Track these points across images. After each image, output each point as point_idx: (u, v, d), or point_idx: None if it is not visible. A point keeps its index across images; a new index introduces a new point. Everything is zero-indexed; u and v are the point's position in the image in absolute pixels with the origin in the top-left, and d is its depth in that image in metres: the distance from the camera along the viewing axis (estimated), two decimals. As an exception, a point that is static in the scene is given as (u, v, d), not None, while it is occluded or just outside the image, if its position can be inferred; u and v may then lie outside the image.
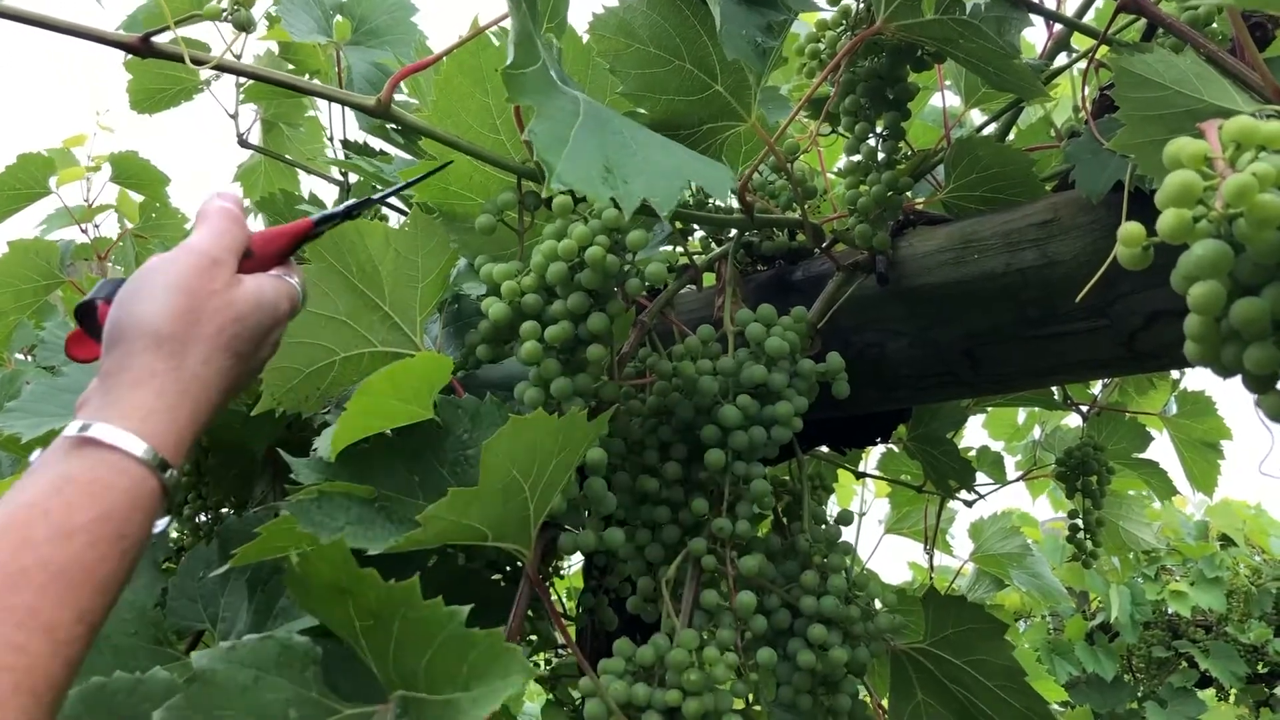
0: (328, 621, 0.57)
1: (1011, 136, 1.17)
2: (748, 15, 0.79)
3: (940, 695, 0.85)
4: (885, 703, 1.02)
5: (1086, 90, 1.17)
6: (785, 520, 1.00)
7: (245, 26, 0.98)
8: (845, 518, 0.87)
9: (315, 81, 0.92)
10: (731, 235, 1.10)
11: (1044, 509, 3.85)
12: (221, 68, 0.80)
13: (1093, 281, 0.70)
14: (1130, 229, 0.47)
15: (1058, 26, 1.03)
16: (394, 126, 1.51)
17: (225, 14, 0.96)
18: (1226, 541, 3.81)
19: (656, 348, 0.91)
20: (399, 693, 0.53)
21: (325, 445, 0.70)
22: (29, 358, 1.80)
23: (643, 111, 0.85)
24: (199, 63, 0.79)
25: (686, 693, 0.71)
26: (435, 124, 0.80)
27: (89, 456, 0.54)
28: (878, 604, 0.84)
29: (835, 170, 1.27)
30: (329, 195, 1.60)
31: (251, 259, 0.70)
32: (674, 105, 0.85)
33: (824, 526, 0.85)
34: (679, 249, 1.11)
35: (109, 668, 0.87)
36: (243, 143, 1.54)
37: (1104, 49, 1.07)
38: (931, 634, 0.85)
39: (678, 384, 0.83)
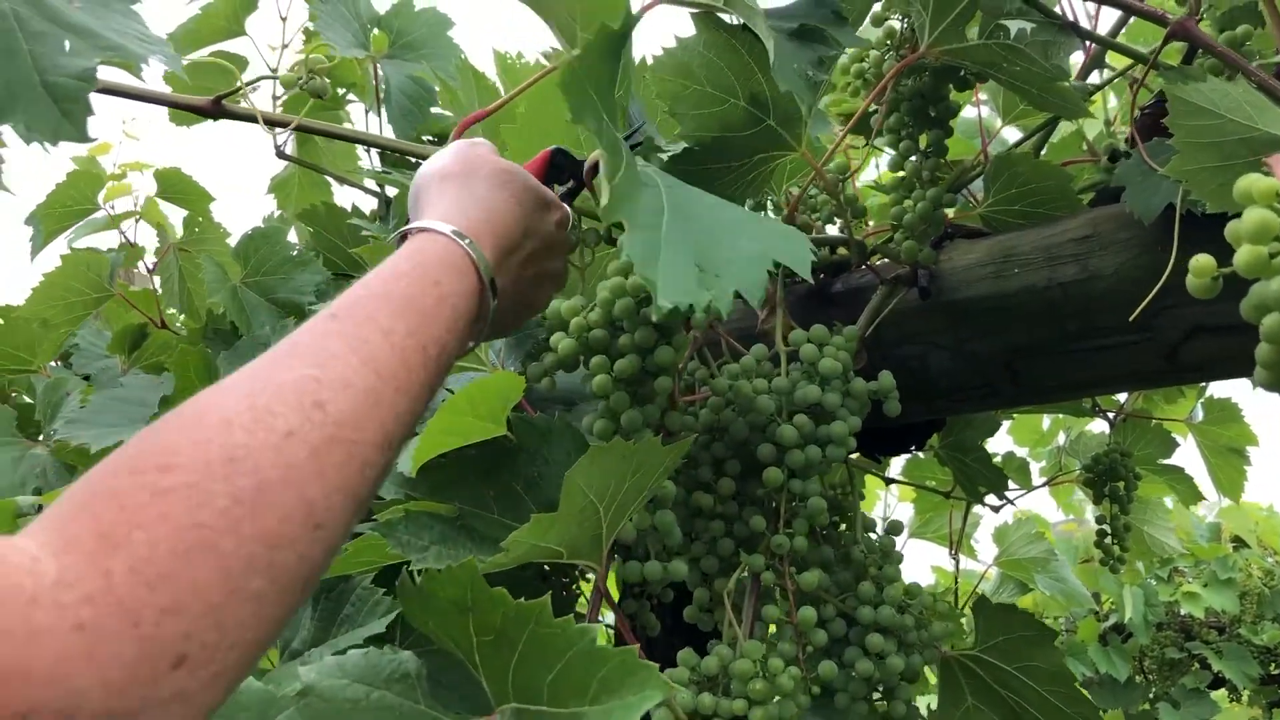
0: (440, 636, 0.59)
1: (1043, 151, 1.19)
2: (800, 51, 0.82)
3: (989, 700, 0.87)
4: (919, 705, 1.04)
5: (1123, 108, 1.19)
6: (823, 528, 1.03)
7: (320, 94, 1.01)
8: (895, 528, 0.89)
9: (390, 139, 0.94)
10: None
11: (1055, 512, 3.87)
12: (302, 128, 0.83)
13: (1146, 302, 0.72)
14: (1202, 261, 0.49)
15: (1094, 45, 1.05)
16: (431, 139, 1.54)
17: (301, 82, 0.99)
18: (1239, 543, 3.82)
19: (706, 362, 0.94)
20: (511, 705, 0.56)
21: (405, 460, 0.73)
22: (59, 364, 1.82)
23: (698, 149, 0.88)
24: (274, 124, 0.81)
25: (752, 701, 0.73)
26: (521, 132, 0.82)
27: (406, 244, 0.64)
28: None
29: (872, 183, 1.29)
30: (361, 205, 1.62)
31: None
32: (728, 141, 0.88)
33: (875, 537, 0.88)
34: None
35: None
36: (280, 154, 1.56)
37: (1133, 65, 1.09)
38: (981, 641, 0.87)
39: (731, 401, 0.85)
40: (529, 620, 0.55)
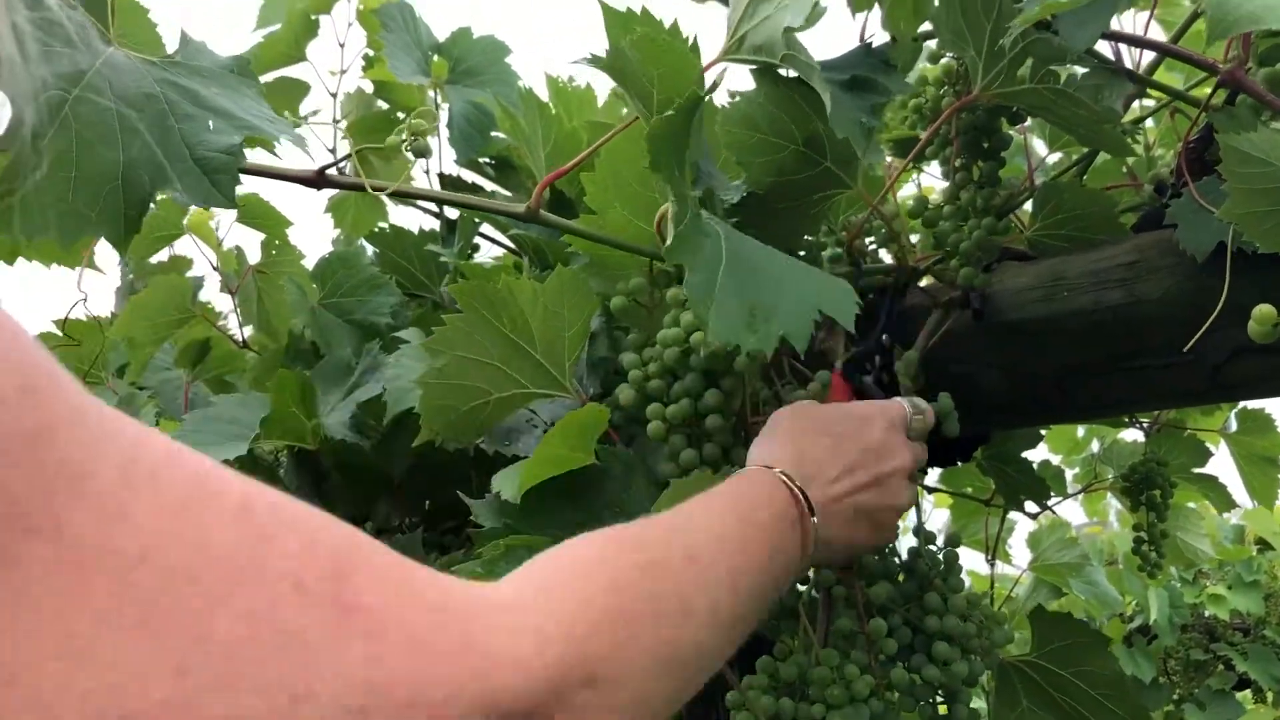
0: None
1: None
2: (854, 100, 0.87)
3: (1045, 703, 0.92)
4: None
5: (1161, 133, 1.24)
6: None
7: (423, 153, 1.07)
8: (954, 540, 0.94)
9: (478, 199, 0.99)
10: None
11: (1078, 515, 3.90)
12: (397, 193, 0.88)
13: (1201, 332, 0.77)
14: (1264, 310, 0.54)
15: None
16: (488, 161, 1.59)
17: (405, 144, 1.05)
18: (1264, 546, 3.85)
19: (771, 383, 0.99)
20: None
21: (507, 488, 0.79)
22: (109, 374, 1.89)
23: (763, 193, 0.93)
24: (379, 189, 0.87)
25: (829, 706, 0.78)
26: (599, 180, 0.88)
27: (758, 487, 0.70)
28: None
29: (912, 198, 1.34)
30: (408, 223, 1.67)
31: None
32: (790, 184, 0.94)
33: (936, 549, 0.93)
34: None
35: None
36: (342, 174, 1.62)
37: (1170, 101, 1.13)
38: (1038, 647, 0.92)
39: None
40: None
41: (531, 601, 0.49)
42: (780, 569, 0.68)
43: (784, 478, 0.70)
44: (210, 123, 0.73)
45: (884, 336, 0.91)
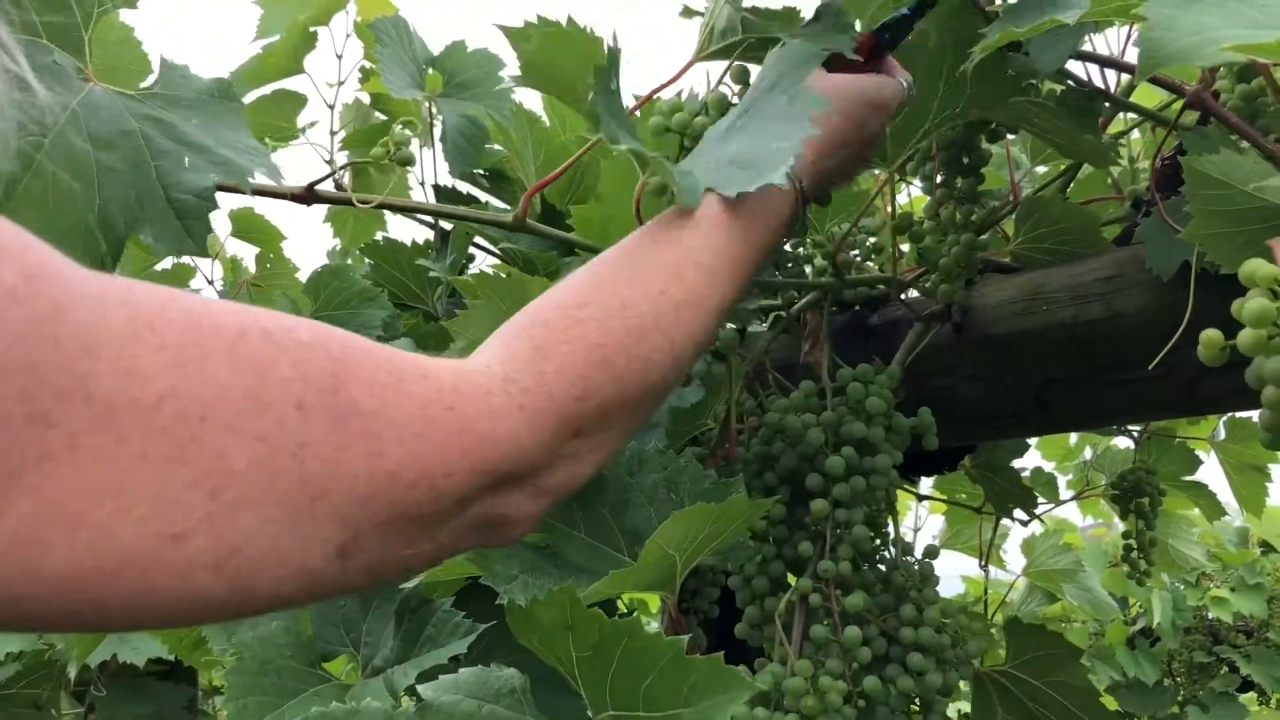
0: (543, 651, 0.67)
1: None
2: None
3: (1020, 713, 0.94)
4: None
5: (1145, 144, 1.25)
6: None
7: (408, 162, 1.09)
8: (932, 552, 0.96)
9: (465, 209, 1.01)
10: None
11: (1082, 516, 3.91)
12: (384, 206, 0.90)
13: (1165, 350, 0.79)
14: (1211, 335, 0.56)
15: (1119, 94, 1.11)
16: (482, 172, 1.61)
17: (389, 154, 1.07)
18: (1267, 548, 3.85)
19: (755, 394, 1.01)
20: (609, 713, 0.63)
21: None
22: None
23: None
24: (366, 203, 0.89)
25: (804, 716, 0.80)
26: (617, 164, 0.89)
27: None
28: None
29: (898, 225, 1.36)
30: (404, 233, 1.68)
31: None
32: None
33: (913, 560, 0.94)
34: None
35: (272, 687, 0.97)
36: (339, 187, 1.64)
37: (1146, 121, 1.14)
38: (1013, 657, 0.94)
39: (782, 432, 0.92)
40: (623, 636, 0.63)
41: (517, 376, 0.53)
42: (766, 249, 0.70)
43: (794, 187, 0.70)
44: (187, 159, 0.73)
45: (921, 6, 0.87)
